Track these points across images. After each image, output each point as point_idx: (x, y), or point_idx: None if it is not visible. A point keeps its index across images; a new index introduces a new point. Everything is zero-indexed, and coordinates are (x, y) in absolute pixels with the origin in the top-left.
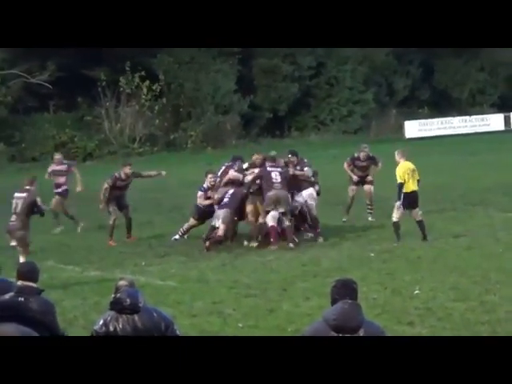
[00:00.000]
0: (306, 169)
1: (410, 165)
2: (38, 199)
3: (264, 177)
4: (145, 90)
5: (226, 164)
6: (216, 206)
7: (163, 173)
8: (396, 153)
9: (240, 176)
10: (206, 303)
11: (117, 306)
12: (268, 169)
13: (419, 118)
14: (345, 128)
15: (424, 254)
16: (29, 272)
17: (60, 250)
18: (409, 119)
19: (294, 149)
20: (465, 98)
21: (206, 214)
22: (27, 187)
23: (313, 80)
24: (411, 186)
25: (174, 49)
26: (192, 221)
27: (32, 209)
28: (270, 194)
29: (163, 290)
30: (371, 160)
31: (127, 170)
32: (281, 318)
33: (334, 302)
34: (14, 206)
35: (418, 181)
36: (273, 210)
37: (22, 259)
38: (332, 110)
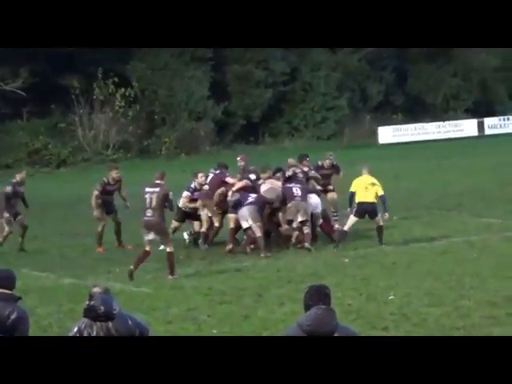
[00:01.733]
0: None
1: (369, 179)
2: (170, 193)
3: (286, 193)
4: (118, 97)
5: (214, 172)
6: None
7: (128, 205)
8: (364, 167)
9: (249, 182)
10: (181, 310)
11: (91, 314)
12: (288, 185)
13: (393, 124)
14: (318, 134)
15: (399, 260)
16: (5, 279)
17: (35, 256)
18: (382, 125)
19: (267, 155)
20: (438, 103)
21: (186, 214)
22: (158, 181)
23: (286, 86)
24: (363, 197)
25: (146, 55)
26: (174, 223)
27: (164, 203)
28: (290, 205)
29: (138, 296)
30: (334, 168)
31: (114, 174)
32: (255, 325)
33: (307, 308)
34: (148, 200)
35: (383, 196)
36: (293, 219)
37: (168, 249)
38: (306, 116)
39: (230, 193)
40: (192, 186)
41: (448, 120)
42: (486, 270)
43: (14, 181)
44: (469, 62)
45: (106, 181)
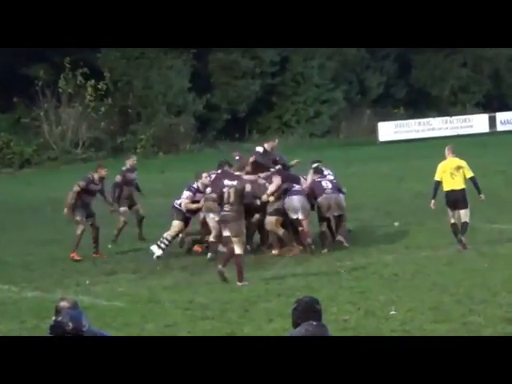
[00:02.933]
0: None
1: (453, 162)
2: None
3: (315, 188)
4: (89, 90)
5: (215, 172)
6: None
7: (114, 208)
8: (447, 148)
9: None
10: (158, 326)
11: (58, 330)
12: (317, 180)
13: (394, 119)
14: (312, 130)
15: (401, 271)
16: None
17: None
18: (383, 120)
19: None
20: (445, 96)
21: (186, 217)
22: (235, 173)
23: (276, 77)
24: (450, 185)
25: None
26: (177, 224)
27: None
28: (321, 199)
29: (110, 311)
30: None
31: (103, 172)
32: None
33: (296, 323)
34: (226, 194)
35: (473, 178)
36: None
37: (238, 251)
38: (298, 111)
39: (265, 196)
40: (194, 185)
41: (456, 115)
42: (497, 282)
43: (123, 168)
44: (480, 51)
45: (91, 178)
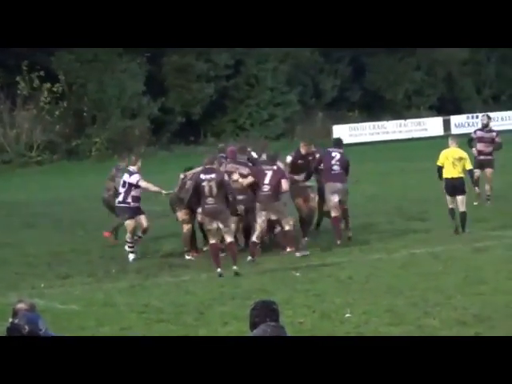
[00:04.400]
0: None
1: (456, 152)
2: (226, 177)
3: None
4: (45, 93)
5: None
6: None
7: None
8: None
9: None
10: (113, 329)
11: (14, 334)
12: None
13: (349, 122)
14: (266, 133)
15: (355, 274)
16: None
17: None
18: (337, 123)
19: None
20: (400, 99)
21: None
22: (211, 166)
23: (230, 80)
24: (451, 172)
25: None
26: (129, 223)
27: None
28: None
29: (65, 314)
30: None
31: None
32: None
33: (253, 325)
34: (207, 188)
35: (471, 171)
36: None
37: (229, 239)
38: (252, 114)
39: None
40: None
41: (410, 118)
42: (451, 285)
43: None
44: (433, 55)
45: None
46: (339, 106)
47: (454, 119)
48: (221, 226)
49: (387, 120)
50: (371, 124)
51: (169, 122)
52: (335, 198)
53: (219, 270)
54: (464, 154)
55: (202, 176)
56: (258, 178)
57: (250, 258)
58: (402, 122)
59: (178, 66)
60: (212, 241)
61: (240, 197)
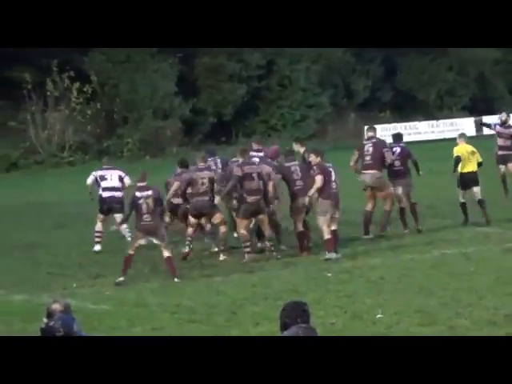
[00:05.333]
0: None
1: (467, 147)
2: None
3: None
4: (75, 93)
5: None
6: None
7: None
8: (457, 136)
9: None
10: (145, 329)
11: (48, 336)
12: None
13: (381, 123)
14: (298, 134)
15: (387, 274)
16: None
17: None
18: (369, 124)
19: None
20: (432, 100)
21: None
22: (144, 184)
23: (262, 80)
24: (467, 167)
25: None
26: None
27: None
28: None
29: (96, 314)
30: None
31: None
32: None
33: (284, 326)
34: (144, 206)
35: (480, 164)
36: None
37: (167, 254)
38: (283, 114)
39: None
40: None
41: (442, 118)
42: (483, 286)
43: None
44: (465, 55)
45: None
46: (371, 107)
47: (486, 119)
48: (156, 241)
49: (419, 120)
50: (403, 125)
51: (200, 123)
52: (398, 190)
53: (122, 278)
54: (474, 149)
55: (138, 194)
56: (325, 176)
57: (333, 254)
58: (434, 122)
59: (210, 67)
60: (131, 252)
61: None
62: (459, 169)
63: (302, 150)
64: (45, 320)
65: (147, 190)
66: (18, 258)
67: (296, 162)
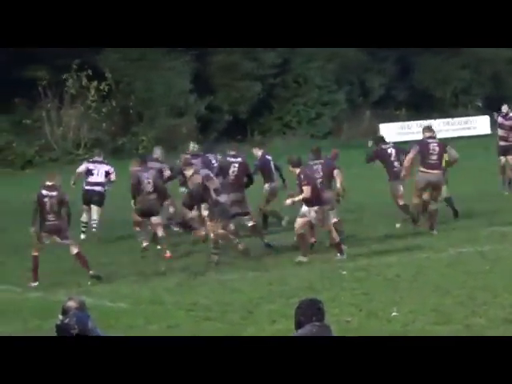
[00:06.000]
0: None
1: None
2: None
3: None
4: (92, 90)
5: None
6: None
7: None
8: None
9: None
10: (161, 327)
11: (63, 333)
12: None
13: (396, 121)
14: (313, 132)
15: (402, 272)
16: None
17: None
18: (384, 122)
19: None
20: (447, 98)
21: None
22: (52, 183)
23: (277, 78)
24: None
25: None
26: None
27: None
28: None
29: (113, 312)
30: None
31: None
32: None
33: (299, 324)
34: (48, 205)
35: (447, 161)
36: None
37: (75, 250)
38: (299, 112)
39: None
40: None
41: (457, 116)
42: (499, 284)
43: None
44: (480, 54)
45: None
46: (386, 105)
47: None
48: (59, 240)
49: (434, 118)
50: (418, 122)
51: (216, 121)
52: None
53: (36, 283)
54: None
55: (44, 192)
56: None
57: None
58: (450, 120)
59: (225, 65)
60: (36, 253)
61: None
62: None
63: (259, 152)
64: (60, 317)
65: (54, 190)
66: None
67: (321, 160)
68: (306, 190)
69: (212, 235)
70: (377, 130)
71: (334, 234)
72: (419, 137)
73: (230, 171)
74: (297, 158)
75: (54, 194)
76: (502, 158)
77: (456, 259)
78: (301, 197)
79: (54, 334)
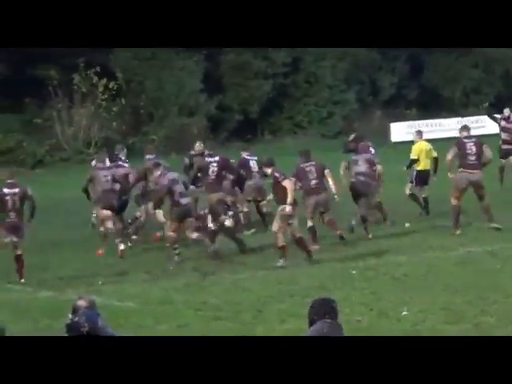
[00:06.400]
0: None
1: (425, 145)
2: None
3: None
4: (101, 89)
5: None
6: None
7: None
8: (414, 133)
9: None
10: (171, 327)
11: (74, 332)
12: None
13: (406, 120)
14: (324, 131)
15: (412, 271)
16: None
17: (6, 267)
18: (395, 121)
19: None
20: (457, 97)
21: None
22: (12, 181)
23: (288, 77)
24: (423, 165)
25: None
26: None
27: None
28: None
29: (122, 312)
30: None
31: None
32: None
33: (312, 322)
34: (10, 203)
35: (436, 159)
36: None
37: (19, 252)
38: (309, 112)
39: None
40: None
41: (468, 116)
42: (509, 283)
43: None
44: (490, 53)
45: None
46: (397, 104)
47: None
48: (15, 239)
49: (444, 118)
50: (428, 122)
51: (226, 120)
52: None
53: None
54: (431, 145)
55: (6, 190)
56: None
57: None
58: (460, 119)
59: (236, 64)
60: (18, 252)
61: None
62: (416, 167)
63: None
64: (70, 316)
65: (15, 187)
66: (45, 255)
67: (313, 163)
68: (289, 183)
69: (169, 235)
70: (387, 129)
71: (280, 238)
72: (429, 136)
73: (210, 171)
74: (267, 158)
75: (16, 190)
76: (503, 161)
77: (466, 258)
78: (289, 198)
79: (65, 334)
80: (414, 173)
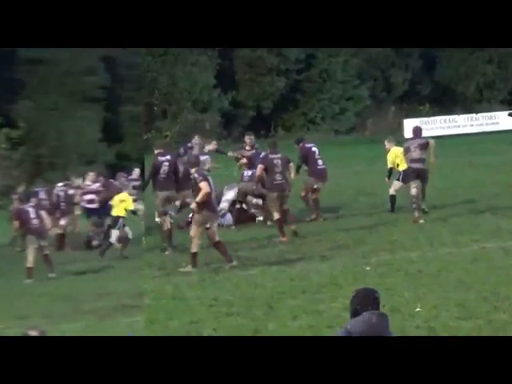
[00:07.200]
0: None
1: (398, 149)
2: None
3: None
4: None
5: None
6: None
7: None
8: (385, 142)
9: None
10: (183, 323)
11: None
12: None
13: (420, 116)
14: (337, 127)
15: (425, 267)
16: None
17: None
18: (408, 117)
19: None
20: (471, 93)
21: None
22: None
23: (301, 73)
24: (402, 165)
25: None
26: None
27: None
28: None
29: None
30: None
31: None
32: None
33: (354, 312)
34: None
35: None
36: None
37: None
38: (323, 107)
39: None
40: None
41: (481, 112)
42: None
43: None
44: (504, 48)
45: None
46: (410, 100)
47: None
48: None
49: (458, 114)
50: (442, 118)
51: (239, 116)
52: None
53: None
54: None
55: None
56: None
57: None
58: (473, 115)
59: (249, 60)
60: None
61: None
62: (399, 168)
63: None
64: None
65: None
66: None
67: (279, 155)
68: (204, 185)
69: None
70: (401, 125)
71: (194, 244)
72: (442, 132)
73: (161, 170)
74: (194, 157)
75: None
76: None
77: (479, 254)
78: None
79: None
80: (401, 173)
